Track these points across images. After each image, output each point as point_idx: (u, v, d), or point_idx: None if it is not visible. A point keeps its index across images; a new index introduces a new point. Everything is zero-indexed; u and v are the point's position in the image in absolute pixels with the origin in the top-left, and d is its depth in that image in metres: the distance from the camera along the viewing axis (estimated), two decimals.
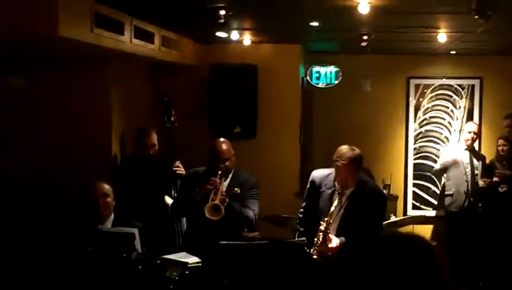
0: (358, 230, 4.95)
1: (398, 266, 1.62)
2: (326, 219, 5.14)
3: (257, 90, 8.12)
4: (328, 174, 5.37)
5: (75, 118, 6.53)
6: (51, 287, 4.39)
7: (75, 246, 4.53)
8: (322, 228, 5.13)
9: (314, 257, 5.04)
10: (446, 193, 8.44)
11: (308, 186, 5.55)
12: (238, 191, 5.52)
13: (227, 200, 5.37)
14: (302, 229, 5.54)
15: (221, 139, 5.68)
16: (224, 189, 5.49)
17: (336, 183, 5.28)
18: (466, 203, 8.20)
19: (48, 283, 4.41)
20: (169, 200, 6.40)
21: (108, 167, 6.60)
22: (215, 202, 5.28)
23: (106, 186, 5.16)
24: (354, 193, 5.27)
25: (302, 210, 5.63)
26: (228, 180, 5.58)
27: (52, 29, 4.47)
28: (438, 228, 8.96)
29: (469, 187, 8.23)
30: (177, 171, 6.50)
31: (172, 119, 6.78)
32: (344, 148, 5.21)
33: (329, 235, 5.12)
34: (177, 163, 6.56)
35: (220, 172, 5.42)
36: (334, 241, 5.10)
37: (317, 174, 5.49)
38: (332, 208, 5.17)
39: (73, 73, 6.47)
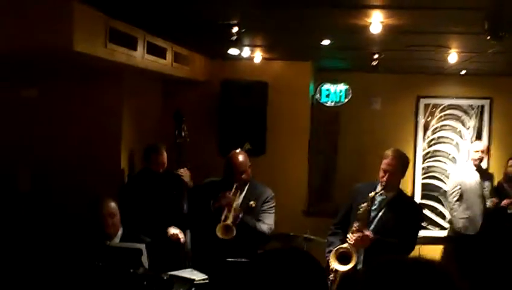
0: (393, 236, 4.94)
1: None
2: (366, 203, 5.07)
3: (267, 107, 8.13)
4: (369, 184, 5.34)
5: (86, 130, 6.56)
6: None
7: (83, 260, 4.53)
8: (360, 211, 5.07)
9: (347, 247, 5.02)
10: (461, 216, 8.18)
11: (348, 196, 5.51)
12: (253, 204, 5.49)
13: (240, 216, 5.34)
14: (337, 237, 5.40)
15: (238, 151, 5.66)
16: (240, 200, 5.46)
17: (377, 188, 5.21)
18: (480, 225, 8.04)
19: None
20: (172, 231, 6.20)
21: (117, 181, 6.60)
22: (227, 222, 5.24)
23: (113, 205, 5.13)
24: (394, 197, 5.24)
25: (336, 222, 5.53)
26: (244, 192, 5.54)
27: (67, 44, 4.51)
28: (446, 249, 8.88)
29: (484, 209, 8.10)
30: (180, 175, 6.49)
31: (183, 134, 6.73)
32: (391, 149, 5.33)
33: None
34: (182, 170, 6.53)
35: (235, 185, 5.41)
36: (369, 232, 5.05)
37: (359, 185, 5.49)
38: (372, 193, 5.10)
39: (86, 86, 6.50)
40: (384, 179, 5.17)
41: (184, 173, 6.56)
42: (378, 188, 5.21)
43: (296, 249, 1.94)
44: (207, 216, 5.41)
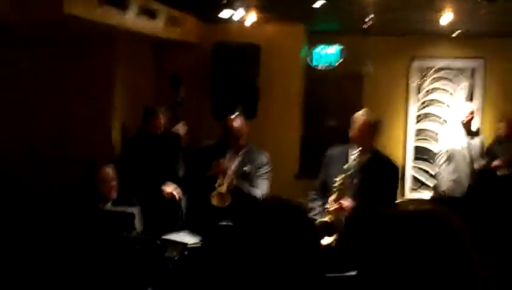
0: (372, 199, 4.96)
1: (423, 242, 1.67)
2: (342, 175, 5.08)
3: (259, 70, 8.10)
4: (343, 147, 5.32)
5: (78, 96, 6.53)
6: (50, 266, 4.42)
7: (76, 224, 4.55)
8: (336, 185, 5.07)
9: (327, 220, 5.04)
10: (448, 178, 8.11)
11: (323, 162, 5.48)
12: (248, 170, 5.50)
13: (235, 183, 5.35)
14: (316, 203, 5.38)
15: (234, 116, 5.64)
16: (236, 165, 5.47)
17: (350, 151, 5.21)
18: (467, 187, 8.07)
19: (47, 262, 4.44)
20: (167, 189, 6.23)
21: (111, 145, 6.61)
22: (222, 190, 5.26)
23: (110, 171, 5.16)
24: (369, 160, 5.23)
25: (317, 186, 5.50)
26: (240, 157, 5.54)
27: (57, 6, 4.47)
28: None
29: (471, 171, 8.10)
30: (175, 131, 6.52)
31: (181, 96, 6.70)
32: (361, 111, 5.31)
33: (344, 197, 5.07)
34: (179, 125, 6.58)
35: (231, 151, 5.43)
36: (348, 201, 5.06)
37: (332, 149, 5.46)
38: (346, 166, 5.10)
39: (78, 53, 6.46)
40: (357, 141, 5.16)
41: (181, 127, 6.56)
42: (352, 151, 5.19)
43: (287, 203, 1.94)
44: (201, 182, 5.41)
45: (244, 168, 5.48)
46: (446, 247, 1.67)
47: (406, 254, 1.65)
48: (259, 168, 5.58)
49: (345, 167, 5.09)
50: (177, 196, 6.15)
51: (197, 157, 5.73)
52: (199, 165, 5.53)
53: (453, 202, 8.06)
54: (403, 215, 1.76)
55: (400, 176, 6.55)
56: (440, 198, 8.13)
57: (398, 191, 9.03)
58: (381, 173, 5.20)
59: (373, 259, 1.70)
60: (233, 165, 5.44)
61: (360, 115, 5.23)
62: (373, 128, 5.23)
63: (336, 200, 5.05)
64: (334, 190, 5.08)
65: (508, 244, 7.02)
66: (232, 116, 5.62)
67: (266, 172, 5.61)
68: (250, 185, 5.50)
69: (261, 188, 5.52)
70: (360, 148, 5.14)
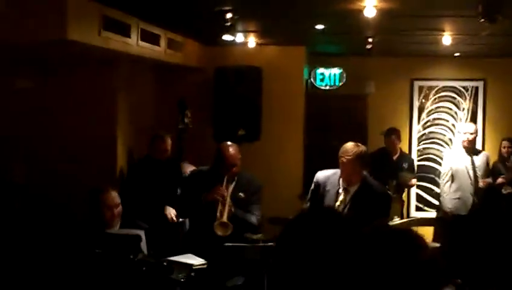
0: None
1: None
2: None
3: (262, 92, 8.13)
4: (333, 174, 5.35)
5: (81, 119, 6.55)
6: (57, 288, 4.41)
7: (82, 248, 4.54)
8: None
9: None
10: (452, 197, 8.16)
11: (312, 187, 5.50)
12: (243, 195, 5.48)
13: (233, 209, 5.34)
14: None
15: (229, 143, 5.58)
16: (230, 191, 5.43)
17: (340, 181, 5.27)
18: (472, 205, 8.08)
19: (54, 285, 4.43)
20: (167, 210, 6.43)
21: (114, 168, 6.63)
22: (224, 220, 5.25)
23: (116, 196, 5.15)
24: (358, 190, 5.23)
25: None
26: (233, 184, 5.51)
27: (61, 33, 4.51)
28: (440, 229, 8.91)
29: (476, 189, 8.12)
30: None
31: (186, 121, 6.73)
32: (349, 144, 5.26)
33: None
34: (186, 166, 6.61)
35: (226, 178, 5.39)
36: None
37: (322, 174, 5.47)
38: (338, 203, 5.16)
39: (81, 76, 6.49)
40: (345, 178, 5.20)
41: (186, 167, 6.62)
42: (342, 183, 5.25)
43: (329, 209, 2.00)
44: (198, 208, 5.43)
45: (240, 194, 5.48)
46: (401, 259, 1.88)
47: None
48: (254, 193, 5.56)
49: (337, 203, 5.15)
50: (175, 219, 6.33)
51: (191, 182, 5.69)
52: (192, 190, 5.53)
53: (457, 220, 8.03)
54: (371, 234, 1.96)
55: (400, 197, 6.60)
56: (444, 217, 8.13)
57: (404, 211, 9.10)
58: (371, 202, 5.18)
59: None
60: (229, 192, 5.43)
61: (347, 148, 5.22)
62: (361, 161, 5.22)
63: None
64: None
65: None
66: (228, 144, 5.60)
67: (259, 197, 5.61)
68: (245, 211, 5.48)
69: (256, 214, 5.51)
70: (348, 182, 5.19)
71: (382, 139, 8.61)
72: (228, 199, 5.33)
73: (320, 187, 5.39)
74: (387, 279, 1.85)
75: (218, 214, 5.29)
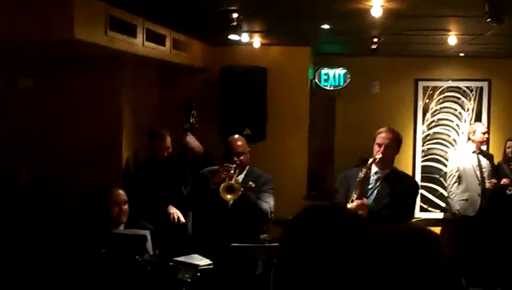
0: (389, 214, 4.94)
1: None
2: (357, 191, 5.05)
3: (266, 92, 8.13)
4: (354, 170, 5.30)
5: (86, 119, 6.55)
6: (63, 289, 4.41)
7: (88, 248, 4.54)
8: (355, 192, 5.05)
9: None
10: (459, 198, 8.11)
11: (337, 186, 5.47)
12: (253, 185, 5.46)
13: (241, 189, 5.31)
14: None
15: (236, 136, 5.69)
16: (240, 180, 5.43)
17: (372, 167, 5.18)
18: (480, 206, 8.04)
19: (60, 285, 4.43)
20: (172, 210, 6.40)
21: (119, 169, 6.63)
22: (231, 182, 5.23)
23: (123, 193, 5.16)
24: (389, 175, 5.21)
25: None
26: (243, 175, 5.53)
27: (68, 32, 4.51)
28: (448, 230, 8.91)
29: (483, 190, 8.09)
30: (184, 142, 6.60)
31: (191, 120, 6.74)
32: (386, 127, 5.31)
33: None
34: (188, 138, 6.65)
35: (234, 165, 5.39)
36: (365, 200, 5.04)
37: (344, 173, 5.47)
38: (370, 186, 5.13)
39: (85, 76, 6.49)
40: (380, 151, 5.14)
41: (190, 139, 6.61)
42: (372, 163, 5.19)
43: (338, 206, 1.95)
44: (207, 194, 5.40)
45: (250, 183, 5.46)
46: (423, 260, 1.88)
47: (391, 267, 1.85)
48: (264, 184, 5.56)
49: (369, 161, 5.10)
50: (181, 221, 6.34)
51: (202, 178, 5.66)
52: (203, 186, 5.51)
53: (466, 221, 8.02)
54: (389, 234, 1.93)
55: (418, 191, 6.57)
56: (453, 218, 8.13)
57: None
58: (401, 185, 5.17)
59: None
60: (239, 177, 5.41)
61: (385, 129, 5.26)
62: (397, 143, 5.26)
63: (357, 198, 5.02)
64: (357, 185, 5.06)
65: None
66: (234, 136, 5.65)
67: (271, 188, 5.59)
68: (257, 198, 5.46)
69: (268, 202, 5.48)
70: (382, 158, 5.14)
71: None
72: (235, 177, 5.32)
73: (345, 180, 5.33)
74: (404, 280, 1.84)
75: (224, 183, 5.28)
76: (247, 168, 5.60)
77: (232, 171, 5.33)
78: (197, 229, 6.04)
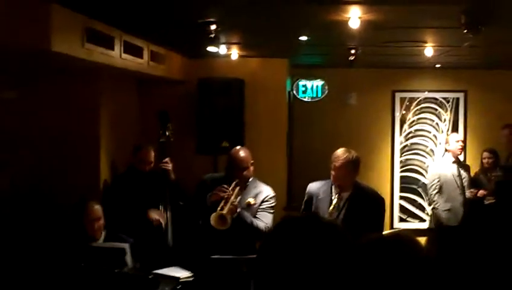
0: (358, 233, 4.93)
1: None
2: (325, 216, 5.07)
3: (244, 104, 8.11)
4: (325, 183, 5.37)
5: (63, 131, 6.49)
6: None
7: (67, 261, 4.51)
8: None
9: None
10: (443, 208, 8.11)
11: (305, 198, 5.49)
12: (252, 202, 5.44)
13: (238, 210, 5.27)
14: None
15: (239, 147, 5.66)
16: (240, 198, 5.38)
17: (333, 188, 5.27)
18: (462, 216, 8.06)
19: None
20: (153, 216, 6.31)
21: (97, 180, 6.57)
22: (223, 212, 5.17)
23: (99, 209, 5.13)
24: (351, 196, 5.26)
25: None
26: (244, 190, 5.48)
27: (45, 44, 4.47)
28: (430, 240, 8.93)
29: (464, 200, 8.11)
30: (163, 166, 6.48)
31: (167, 133, 6.67)
32: (340, 150, 5.31)
33: None
34: (167, 159, 6.53)
35: (236, 181, 5.35)
36: None
37: (313, 185, 5.48)
38: (331, 208, 5.16)
39: (63, 87, 6.44)
40: (338, 182, 5.23)
41: (168, 164, 6.55)
42: (334, 187, 5.28)
43: (316, 216, 1.95)
44: (202, 210, 5.37)
45: (249, 199, 5.42)
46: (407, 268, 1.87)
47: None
48: (264, 201, 5.51)
49: (330, 208, 5.16)
50: (163, 222, 6.26)
51: (201, 190, 5.59)
52: (204, 194, 5.44)
53: (449, 231, 8.04)
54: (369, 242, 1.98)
55: (386, 206, 6.60)
56: (437, 228, 8.15)
57: (387, 222, 9.13)
58: (365, 206, 5.22)
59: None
60: (238, 197, 5.35)
61: (339, 154, 5.26)
62: (353, 166, 5.27)
63: None
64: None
65: (503, 274, 7.02)
66: (238, 147, 5.61)
67: (271, 206, 5.53)
68: (254, 217, 5.42)
69: (265, 220, 5.42)
70: (341, 186, 5.23)
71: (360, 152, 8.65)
72: (233, 198, 5.25)
73: (313, 197, 5.39)
74: (389, 286, 1.84)
75: (218, 208, 5.21)
76: (250, 180, 5.55)
77: (230, 191, 5.28)
78: (179, 240, 5.99)
